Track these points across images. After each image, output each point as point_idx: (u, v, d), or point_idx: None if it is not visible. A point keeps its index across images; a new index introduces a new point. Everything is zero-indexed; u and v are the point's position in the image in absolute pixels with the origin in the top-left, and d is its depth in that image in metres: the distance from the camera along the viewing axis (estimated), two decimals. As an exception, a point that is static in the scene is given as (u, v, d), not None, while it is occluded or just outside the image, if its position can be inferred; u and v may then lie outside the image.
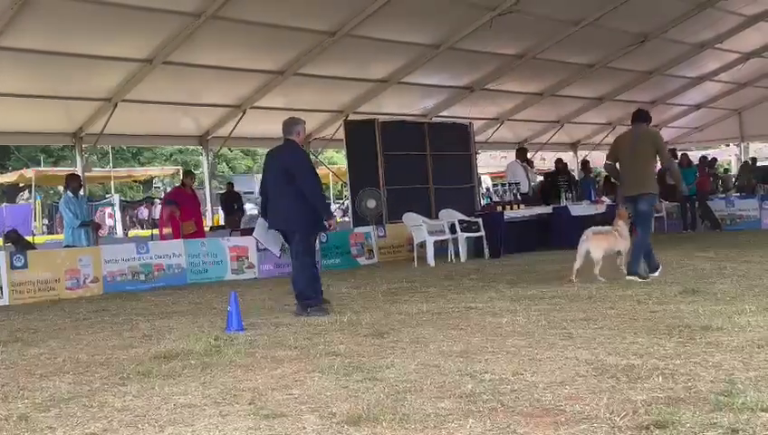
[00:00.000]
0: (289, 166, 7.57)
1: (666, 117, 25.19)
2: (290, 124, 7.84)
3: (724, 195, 19.36)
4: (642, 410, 3.51)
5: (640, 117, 9.07)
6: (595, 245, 8.87)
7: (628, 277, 8.55)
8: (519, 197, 14.52)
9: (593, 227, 9.42)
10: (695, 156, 22.60)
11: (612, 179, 11.08)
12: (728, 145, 31.52)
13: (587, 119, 22.74)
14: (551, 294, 7.88)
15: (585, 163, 21.16)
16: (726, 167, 31.16)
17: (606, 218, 15.78)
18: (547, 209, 14.87)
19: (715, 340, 4.98)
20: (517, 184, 14.41)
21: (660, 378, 4.06)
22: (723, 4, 17.11)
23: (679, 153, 20.88)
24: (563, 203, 15.21)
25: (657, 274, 8.78)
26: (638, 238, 8.90)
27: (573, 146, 24.69)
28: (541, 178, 18.88)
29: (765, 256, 10.36)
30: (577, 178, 20.16)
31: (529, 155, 22.41)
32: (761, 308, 6.05)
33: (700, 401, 3.59)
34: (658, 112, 24.19)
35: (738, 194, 19.65)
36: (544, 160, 24.79)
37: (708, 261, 10.31)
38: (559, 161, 18.53)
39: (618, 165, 9.13)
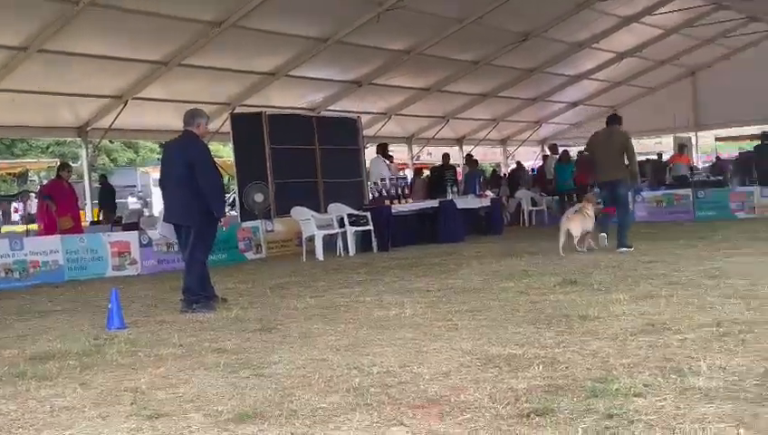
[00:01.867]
0: (187, 158, 7.35)
1: (546, 113, 26.13)
2: (191, 115, 7.60)
3: (599, 189, 20.16)
4: (523, 398, 3.62)
5: (614, 119, 11.23)
6: (574, 223, 10.85)
7: (620, 250, 10.39)
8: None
9: (572, 208, 11.56)
10: (574, 151, 23.57)
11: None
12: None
13: (472, 114, 23.25)
14: (437, 286, 8.02)
15: (470, 157, 21.64)
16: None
17: (489, 211, 16.32)
18: (434, 203, 15.11)
19: (592, 328, 5.19)
20: (382, 180, 14.55)
21: (540, 366, 4.20)
22: (599, 6, 17.82)
23: (560, 149, 21.72)
24: (449, 197, 15.50)
25: (627, 249, 10.43)
26: (622, 216, 10.89)
27: (459, 141, 25.20)
28: (404, 173, 19.27)
29: (638, 248, 10.88)
30: (462, 172, 20.61)
31: (414, 149, 22.77)
32: (634, 297, 6.35)
33: (578, 388, 3.73)
34: (539, 109, 25.16)
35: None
36: (431, 155, 25.20)
37: (587, 253, 10.73)
38: (445, 156, 18.90)
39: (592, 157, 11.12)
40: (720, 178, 19.95)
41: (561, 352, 4.55)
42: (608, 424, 3.16)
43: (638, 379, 3.80)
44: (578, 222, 10.99)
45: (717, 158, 27.13)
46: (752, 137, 26.53)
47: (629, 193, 11.67)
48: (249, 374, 4.48)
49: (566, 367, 4.17)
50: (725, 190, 17.97)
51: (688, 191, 17.97)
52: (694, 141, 26.21)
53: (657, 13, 19.36)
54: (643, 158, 29.99)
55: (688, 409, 3.30)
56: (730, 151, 31.61)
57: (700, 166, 25.66)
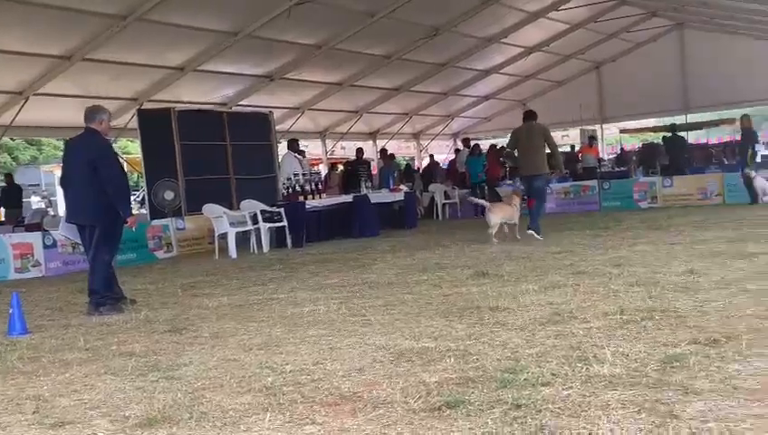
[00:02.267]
0: (90, 157, 7.12)
1: (457, 107, 26.44)
2: (92, 112, 7.36)
3: (511, 181, 20.58)
4: (435, 391, 3.65)
5: (531, 115, 11.85)
6: (495, 214, 11.43)
7: (528, 231, 11.12)
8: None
9: (499, 203, 12.43)
10: (486, 144, 23.95)
11: (509, 163, 14.26)
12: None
13: (385, 109, 23.33)
14: (351, 281, 8.02)
15: (384, 152, 21.73)
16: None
17: (403, 205, 16.43)
18: (348, 198, 15.11)
19: (502, 319, 5.29)
20: (295, 176, 14.48)
21: (452, 359, 4.25)
22: (507, 1, 18.13)
23: (472, 142, 22.03)
24: (363, 191, 15.53)
25: (536, 235, 11.12)
26: (537, 206, 11.52)
27: (373, 135, 25.26)
28: (318, 168, 19.26)
29: (547, 239, 11.16)
30: (377, 166, 20.68)
31: (329, 144, 22.69)
32: (542, 287, 6.50)
33: (488, 379, 3.79)
34: (450, 103, 25.43)
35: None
36: (345, 149, 25.19)
37: (497, 245, 10.94)
38: (359, 151, 18.93)
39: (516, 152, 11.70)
40: (624, 169, 20.62)
41: (472, 344, 4.62)
42: (516, 414, 3.22)
43: (546, 368, 3.89)
44: (498, 213, 11.52)
45: (622, 149, 28.06)
46: (654, 129, 27.59)
47: (547, 184, 12.28)
48: (158, 377, 4.38)
49: (477, 359, 4.23)
50: (630, 181, 18.62)
51: (594, 182, 18.54)
52: (599, 134, 26.99)
53: (563, 8, 19.83)
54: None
55: (593, 396, 3.39)
56: (634, 143, 32.75)
57: (606, 157, 26.47)
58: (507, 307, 5.70)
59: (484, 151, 21.24)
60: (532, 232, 11.15)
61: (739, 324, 4.54)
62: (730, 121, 25.04)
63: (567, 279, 6.88)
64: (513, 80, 25.17)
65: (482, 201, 13.03)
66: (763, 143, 26.24)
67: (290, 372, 4.28)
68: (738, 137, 19.35)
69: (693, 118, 26.42)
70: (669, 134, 19.87)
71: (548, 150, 11.75)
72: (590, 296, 5.90)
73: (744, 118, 17.00)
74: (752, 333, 4.28)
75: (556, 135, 35.10)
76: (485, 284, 7.07)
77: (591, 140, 23.98)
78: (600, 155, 24.39)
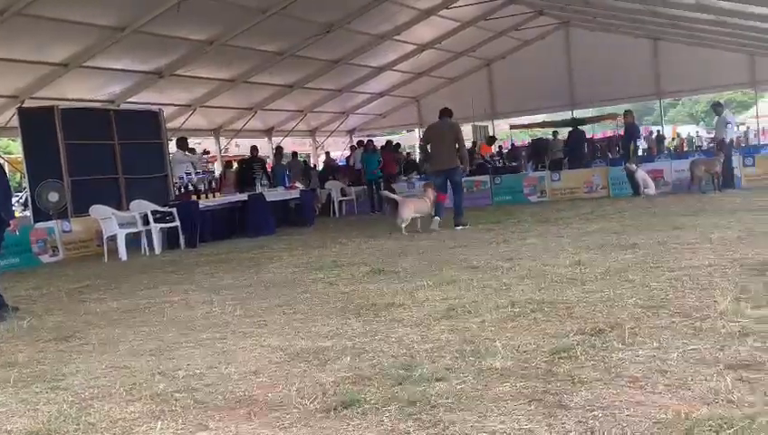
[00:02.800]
0: None
1: (352, 104, 26.53)
2: None
3: (406, 177, 20.82)
4: (331, 391, 3.65)
5: (446, 112, 12.53)
6: (407, 207, 11.93)
7: (457, 228, 11.70)
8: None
9: (413, 197, 13.21)
10: (380, 141, 24.11)
11: (422, 156, 14.58)
12: (411, 131, 33.94)
13: (280, 106, 23.15)
14: (247, 282, 7.92)
15: (279, 149, 21.57)
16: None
17: (299, 203, 16.36)
18: (242, 197, 14.92)
19: (398, 316, 5.33)
20: (188, 174, 14.19)
21: (348, 358, 4.25)
22: (399, -2, 18.34)
23: (365, 139, 22.14)
24: (258, 189, 15.36)
25: (464, 227, 11.79)
26: (457, 200, 12.24)
27: (268, 132, 25.03)
28: (212, 166, 18.98)
29: (442, 234, 11.35)
30: (272, 163, 20.50)
31: (223, 141, 22.33)
32: (436, 283, 6.59)
33: (383, 376, 3.81)
34: (345, 100, 25.49)
35: (419, 176, 21.24)
36: (239, 147, 24.86)
37: (393, 240, 11.04)
38: (253, 149, 18.70)
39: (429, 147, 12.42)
40: (515, 164, 21.18)
41: (368, 341, 4.64)
42: (411, 411, 3.26)
43: (440, 363, 3.95)
44: (411, 206, 12.03)
45: (512, 145, 28.81)
46: (542, 124, 28.44)
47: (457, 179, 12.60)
48: (43, 388, 4.20)
49: (373, 356, 4.25)
50: (520, 176, 19.14)
51: (487, 178, 18.97)
52: (491, 129, 27.62)
53: (453, 6, 20.19)
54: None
55: (486, 389, 3.47)
56: (524, 139, 33.66)
57: (496, 153, 27.13)
58: (403, 304, 5.75)
59: (379, 148, 21.38)
60: (461, 227, 11.75)
61: (622, 314, 4.73)
62: (613, 117, 26.10)
63: (461, 274, 7.01)
64: (407, 77, 25.46)
65: (396, 196, 13.33)
66: (644, 138, 27.47)
67: (183, 377, 4.18)
68: (621, 132, 20.20)
69: (579, 113, 27.43)
70: (571, 129, 20.56)
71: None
72: (482, 290, 6.02)
73: (627, 113, 17.76)
74: (633, 322, 4.47)
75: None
76: (382, 281, 7.12)
77: (492, 139, 24.63)
78: (493, 151, 25.00)
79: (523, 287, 5.99)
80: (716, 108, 17.05)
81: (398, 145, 24.75)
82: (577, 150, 20.12)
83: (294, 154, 24.54)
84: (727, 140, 16.26)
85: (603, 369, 3.62)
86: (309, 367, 4.15)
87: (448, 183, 12.40)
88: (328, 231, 14.24)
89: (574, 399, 3.24)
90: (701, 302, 4.86)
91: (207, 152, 18.33)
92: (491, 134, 26.38)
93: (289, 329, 5.25)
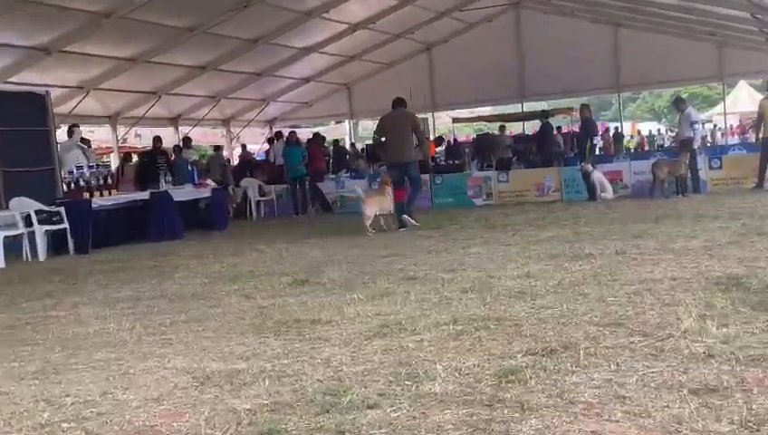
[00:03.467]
0: None
1: (274, 90, 26.40)
2: None
3: (334, 175, 20.85)
4: (246, 420, 3.62)
5: (400, 102, 13.21)
6: (369, 204, 12.56)
7: (403, 217, 12.55)
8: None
9: (369, 190, 14.18)
10: (306, 133, 24.05)
11: (378, 152, 15.20)
12: (341, 121, 33.97)
13: (189, 90, 22.87)
14: (149, 294, 7.81)
15: (187, 140, 21.33)
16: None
17: (210, 203, 16.19)
18: (144, 195, 14.70)
19: (325, 334, 5.33)
20: (79, 168, 13.93)
21: (267, 382, 4.23)
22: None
23: (286, 130, 22.10)
24: (163, 187, 15.15)
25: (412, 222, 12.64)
26: (412, 194, 13.08)
27: (174, 121, 24.70)
28: (106, 159, 18.69)
29: (374, 240, 11.40)
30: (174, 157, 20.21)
31: (121, 130, 21.98)
32: (369, 296, 6.61)
33: (307, 403, 3.80)
34: (265, 85, 25.34)
35: (348, 174, 21.29)
36: (140, 137, 24.48)
37: (319, 247, 11.04)
38: (157, 139, 18.41)
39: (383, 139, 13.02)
40: (458, 162, 21.40)
41: (289, 363, 4.62)
42: (339, 442, 3.26)
43: (372, 388, 3.97)
44: (374, 203, 12.65)
45: (454, 140, 29.09)
46: (489, 118, 28.80)
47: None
48: None
49: (295, 380, 4.24)
50: (463, 176, 19.35)
51: (426, 177, 19.09)
52: (431, 123, 27.84)
53: (390, -18, 20.31)
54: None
55: (423, 417, 3.49)
56: (469, 134, 34.08)
57: (437, 150, 27.37)
58: (330, 320, 5.76)
59: (304, 141, 21.36)
60: (408, 218, 12.63)
61: (576, 332, 4.83)
62: (568, 111, 26.61)
63: (397, 286, 7.05)
64: (337, 60, 25.47)
65: (360, 191, 13.77)
66: (601, 135, 28.10)
67: (71, 404, 4.10)
68: (577, 128, 20.62)
69: (529, 107, 27.86)
70: (541, 122, 20.88)
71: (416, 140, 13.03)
72: (421, 305, 6.07)
73: (584, 107, 18.12)
74: (589, 342, 4.57)
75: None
76: (306, 293, 7.11)
77: (440, 139, 24.89)
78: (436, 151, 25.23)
79: (466, 302, 6.06)
80: (679, 104, 17.53)
81: (324, 138, 24.77)
82: (547, 147, 20.38)
83: (218, 148, 24.35)
84: (696, 142, 16.75)
85: (555, 394, 3.69)
86: (221, 393, 4.12)
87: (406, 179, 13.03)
88: (244, 236, 14.15)
89: (523, 428, 3.29)
90: (663, 319, 5.00)
91: (86, 142, 17.85)
92: (431, 130, 26.62)
93: (197, 349, 5.20)
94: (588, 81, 24.74)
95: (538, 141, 21.22)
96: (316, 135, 23.41)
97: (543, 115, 21.49)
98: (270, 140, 24.32)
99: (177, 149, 20.30)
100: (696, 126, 16.90)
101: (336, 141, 27.93)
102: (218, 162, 22.29)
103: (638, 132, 42.06)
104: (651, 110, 59.70)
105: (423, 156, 13.35)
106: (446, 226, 12.94)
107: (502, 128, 24.69)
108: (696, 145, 16.82)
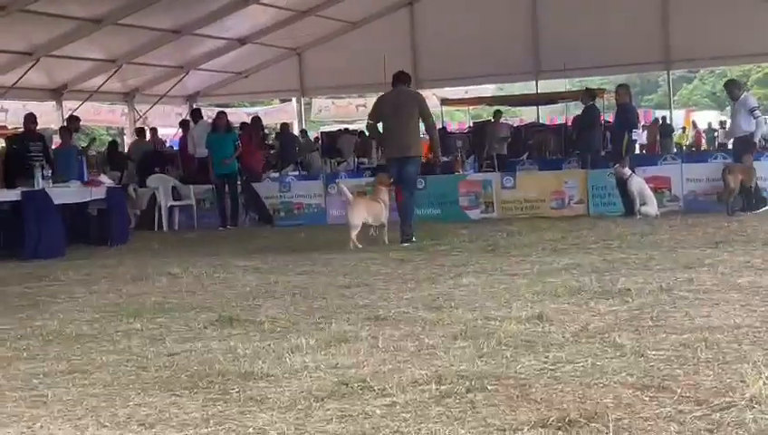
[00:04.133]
0: None
1: (196, 54, 26.30)
2: None
3: (279, 173, 20.83)
4: None
5: (403, 78, 13.56)
6: (356, 212, 13.11)
7: (404, 244, 13.00)
8: None
9: (363, 197, 14.26)
10: (241, 116, 23.94)
11: (374, 141, 16.49)
12: (287, 100, 33.92)
13: (78, 51, 22.75)
14: (15, 333, 7.74)
15: (73, 120, 21.18)
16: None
17: (104, 208, 16.11)
18: (12, 195, 14.58)
19: (259, 393, 5.30)
20: None
21: (178, 459, 4.21)
22: None
23: (213, 110, 22.02)
24: (39, 185, 15.00)
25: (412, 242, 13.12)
26: (407, 202, 13.49)
27: (57, 93, 24.55)
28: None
29: (329, 264, 11.37)
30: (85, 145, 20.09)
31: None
32: (322, 342, 6.58)
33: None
34: (184, 47, 25.24)
35: (297, 173, 21.30)
36: (6, 113, 24.34)
37: (254, 272, 11.00)
38: (29, 119, 18.02)
39: (380, 126, 13.54)
40: (447, 159, 21.44)
41: (209, 432, 4.60)
42: None
43: (324, 471, 3.95)
44: (362, 210, 13.12)
45: (444, 130, 29.12)
46: (492, 100, 28.90)
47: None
48: None
49: (217, 457, 4.23)
50: (454, 178, 19.38)
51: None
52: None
53: None
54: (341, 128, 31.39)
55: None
56: (463, 121, 34.15)
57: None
58: (268, 373, 5.73)
59: (237, 126, 21.29)
60: (407, 244, 13.12)
61: (605, 397, 4.83)
62: (599, 93, 26.66)
63: (360, 328, 7.03)
64: (285, 15, 25.43)
65: (348, 193, 13.87)
66: (643, 128, 28.24)
67: None
68: (610, 117, 20.64)
69: (546, 86, 27.94)
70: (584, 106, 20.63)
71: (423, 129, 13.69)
72: (393, 355, 6.05)
73: (621, 89, 18.02)
74: (621, 411, 4.57)
75: (348, 106, 36.03)
76: (235, 335, 7.07)
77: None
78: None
79: (455, 352, 6.05)
80: (732, 88, 17.56)
81: (260, 124, 24.71)
82: (591, 141, 20.09)
83: (141, 131, 24.28)
84: (757, 137, 16.84)
85: (575, 482, 3.69)
86: (114, 472, 4.09)
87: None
88: (151, 254, 14.07)
89: None
90: (722, 382, 5.02)
91: None
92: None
93: (82, 410, 5.16)
94: (626, 53, 24.89)
95: (578, 133, 21.01)
96: (255, 120, 23.29)
97: (589, 96, 21.09)
98: (184, 123, 24.05)
99: (63, 131, 20.13)
100: (758, 114, 16.90)
101: (284, 126, 27.80)
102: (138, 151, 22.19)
103: (693, 125, 42.15)
104: (711, 94, 60.22)
105: (434, 146, 14.07)
106: (429, 246, 12.95)
107: (497, 113, 24.76)
108: (757, 139, 16.89)
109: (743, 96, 17.02)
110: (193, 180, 20.62)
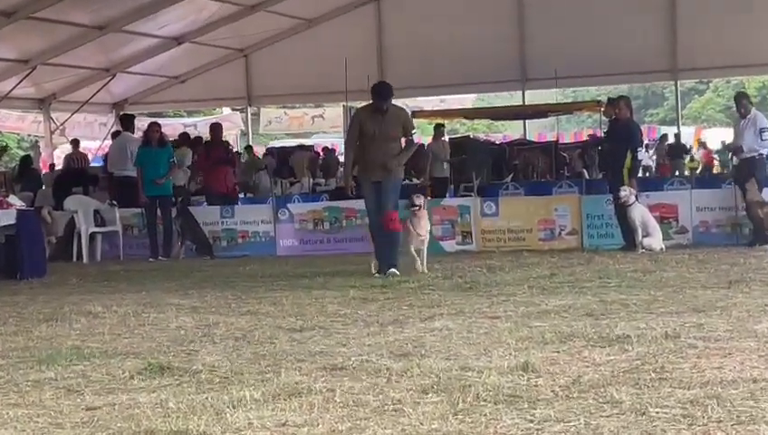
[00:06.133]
0: None
1: (123, 55, 26.27)
2: None
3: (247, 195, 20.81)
4: None
5: (384, 91, 13.85)
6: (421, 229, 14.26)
7: (390, 271, 13.70)
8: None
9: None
10: (174, 127, 23.89)
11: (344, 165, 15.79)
12: (235, 110, 33.87)
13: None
14: None
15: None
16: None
17: (14, 235, 16.03)
18: None
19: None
20: None
21: None
22: None
23: (144, 121, 21.97)
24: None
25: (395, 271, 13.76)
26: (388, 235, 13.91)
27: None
28: None
29: (278, 303, 11.35)
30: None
31: None
32: (268, 395, 6.56)
33: None
34: (110, 47, 25.24)
35: (242, 196, 21.28)
36: None
37: (190, 312, 10.96)
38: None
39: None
40: (419, 181, 21.51)
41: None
42: None
43: None
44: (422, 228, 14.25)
45: (422, 146, 29.23)
46: (471, 112, 28.96)
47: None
48: None
49: None
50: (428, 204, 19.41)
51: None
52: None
53: None
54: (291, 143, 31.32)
55: None
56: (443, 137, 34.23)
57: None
58: (204, 432, 5.72)
59: (171, 141, 21.26)
60: (393, 270, 13.78)
61: (601, 464, 4.85)
62: (592, 106, 26.72)
63: (314, 379, 7.01)
64: (230, 10, 25.46)
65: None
66: (648, 146, 28.33)
67: None
68: (603, 132, 20.66)
69: (534, 97, 28.06)
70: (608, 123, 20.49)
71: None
72: (352, 412, 6.04)
73: (621, 102, 18.02)
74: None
75: (300, 115, 36.06)
76: (166, 387, 7.04)
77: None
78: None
79: (425, 408, 6.05)
80: (745, 102, 17.70)
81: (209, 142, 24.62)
82: (616, 159, 19.62)
83: (75, 143, 24.18)
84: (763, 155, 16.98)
85: None
86: None
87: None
88: (68, 290, 14.00)
89: None
90: (737, 446, 5.05)
91: None
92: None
93: (-16, 475, 5.12)
94: (627, 60, 25.03)
95: (606, 149, 20.58)
96: (214, 127, 22.52)
97: (627, 104, 20.01)
98: (115, 135, 23.95)
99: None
100: (766, 136, 17.04)
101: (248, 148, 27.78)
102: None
103: (702, 144, 41.77)
104: (727, 109, 60.55)
105: (417, 170, 14.35)
106: (395, 284, 12.94)
107: (438, 128, 24.79)
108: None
109: (752, 113, 17.17)
110: (121, 202, 20.52)
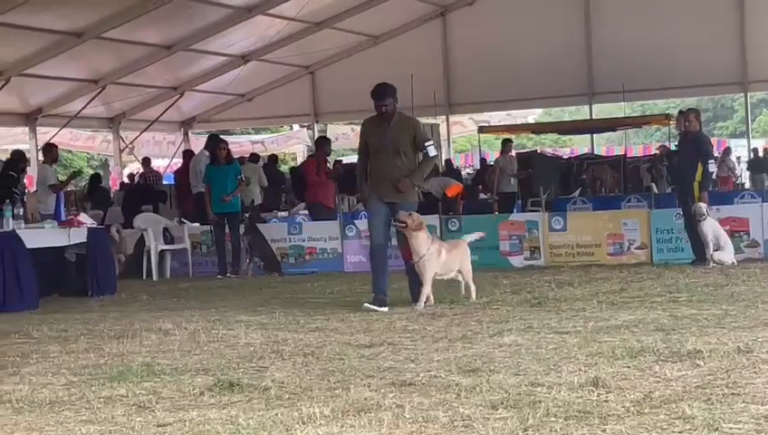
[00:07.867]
0: None
1: (191, 74, 26.42)
2: None
3: (287, 212, 20.85)
4: None
5: (386, 93, 12.75)
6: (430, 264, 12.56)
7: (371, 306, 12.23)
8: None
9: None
10: (243, 147, 23.98)
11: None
12: (303, 126, 33.90)
13: (53, 70, 22.94)
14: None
15: (49, 149, 21.30)
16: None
17: (86, 253, 16.14)
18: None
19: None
20: None
21: None
22: None
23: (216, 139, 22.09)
24: (8, 226, 15.02)
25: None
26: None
27: (29, 118, 24.70)
28: None
29: (347, 319, 11.37)
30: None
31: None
32: (338, 412, 6.56)
33: None
34: (178, 66, 25.41)
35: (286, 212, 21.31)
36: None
37: (259, 329, 11.00)
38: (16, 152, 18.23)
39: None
40: (489, 197, 21.46)
41: None
42: None
43: None
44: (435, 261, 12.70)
45: (482, 161, 29.16)
46: (538, 127, 28.85)
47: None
48: None
49: None
50: (494, 219, 19.36)
51: (435, 218, 19.09)
52: (443, 132, 27.82)
53: None
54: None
55: None
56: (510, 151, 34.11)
57: (463, 174, 27.31)
58: (275, 449, 5.73)
59: (238, 159, 21.34)
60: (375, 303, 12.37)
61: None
62: (662, 120, 26.56)
63: (383, 395, 7.00)
64: (296, 28, 25.54)
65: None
66: (717, 160, 28.10)
67: None
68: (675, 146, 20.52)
69: (601, 110, 27.91)
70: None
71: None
72: (422, 428, 6.04)
73: (692, 114, 17.75)
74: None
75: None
76: (236, 403, 7.06)
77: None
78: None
79: (494, 424, 6.03)
80: None
81: (275, 158, 24.72)
82: (686, 170, 19.03)
83: (147, 160, 24.32)
84: None
85: None
86: None
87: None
88: (140, 306, 14.09)
89: None
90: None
91: None
92: (444, 144, 26.61)
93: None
94: (695, 73, 24.85)
95: (676, 163, 20.14)
96: (320, 141, 22.49)
97: (688, 116, 19.45)
98: (188, 153, 24.07)
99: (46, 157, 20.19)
100: None
101: (272, 157, 27.70)
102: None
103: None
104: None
105: (439, 191, 13.62)
106: (464, 299, 12.90)
107: (506, 143, 24.64)
108: None
109: None
110: (191, 219, 20.64)
